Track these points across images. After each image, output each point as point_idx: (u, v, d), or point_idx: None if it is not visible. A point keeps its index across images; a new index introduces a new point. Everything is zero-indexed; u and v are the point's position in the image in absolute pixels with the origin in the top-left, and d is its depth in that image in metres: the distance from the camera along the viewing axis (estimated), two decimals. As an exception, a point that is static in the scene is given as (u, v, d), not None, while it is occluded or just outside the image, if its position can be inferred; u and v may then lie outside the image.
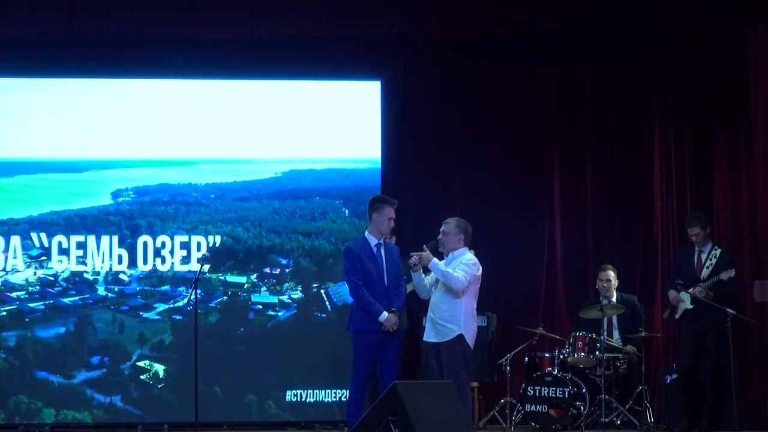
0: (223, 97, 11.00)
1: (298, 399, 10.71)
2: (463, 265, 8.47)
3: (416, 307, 10.46)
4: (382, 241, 8.89)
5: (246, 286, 10.85)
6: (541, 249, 11.25)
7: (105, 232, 10.76)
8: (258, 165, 11.02)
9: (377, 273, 8.77)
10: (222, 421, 10.61)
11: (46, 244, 10.70)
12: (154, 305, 10.76)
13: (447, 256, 8.68)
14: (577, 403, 9.95)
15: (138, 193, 10.91)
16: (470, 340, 8.47)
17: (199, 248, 10.77)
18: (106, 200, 10.89)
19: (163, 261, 10.81)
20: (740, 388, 9.84)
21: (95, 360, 10.66)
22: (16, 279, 10.68)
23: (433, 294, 8.59)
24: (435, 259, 8.49)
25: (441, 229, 8.71)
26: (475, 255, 10.05)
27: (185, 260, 10.79)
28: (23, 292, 10.67)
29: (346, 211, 11.07)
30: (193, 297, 9.12)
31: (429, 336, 8.49)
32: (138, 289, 10.74)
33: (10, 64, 10.84)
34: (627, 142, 11.31)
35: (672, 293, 10.02)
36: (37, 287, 10.70)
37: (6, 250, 10.66)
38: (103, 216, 10.83)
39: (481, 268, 8.63)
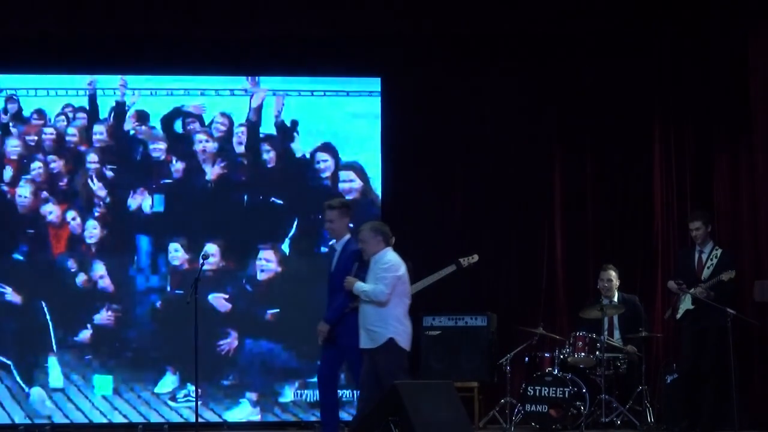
0: (222, 96, 11.02)
1: (299, 399, 10.70)
2: (381, 272, 8.30)
3: (415, 307, 10.49)
4: (337, 244, 8.73)
5: (246, 286, 10.89)
6: (541, 249, 11.25)
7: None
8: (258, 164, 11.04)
9: (328, 276, 8.73)
10: (222, 421, 10.61)
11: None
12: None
13: (371, 260, 8.46)
14: (577, 403, 9.95)
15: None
16: (403, 342, 8.30)
17: (199, 247, 10.78)
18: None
19: (164, 260, 10.82)
20: (741, 388, 9.82)
21: (95, 359, 10.73)
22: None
23: (361, 301, 8.40)
24: (357, 282, 8.30)
25: (359, 237, 8.47)
26: (477, 255, 10.12)
27: (185, 259, 10.79)
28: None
29: (347, 211, 11.07)
30: (192, 297, 9.06)
31: (364, 343, 8.34)
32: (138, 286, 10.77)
33: (11, 64, 10.85)
34: (627, 142, 11.31)
35: (671, 283, 10.03)
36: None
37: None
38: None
39: (403, 266, 8.42)
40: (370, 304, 8.26)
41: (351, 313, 8.39)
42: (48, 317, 10.61)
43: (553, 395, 9.99)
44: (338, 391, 10.51)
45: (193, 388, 9.42)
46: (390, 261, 8.36)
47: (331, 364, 8.66)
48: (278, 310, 10.81)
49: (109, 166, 10.85)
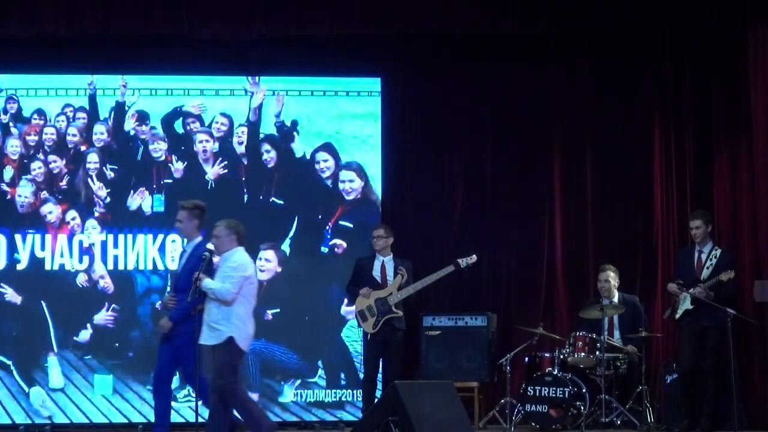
0: (222, 96, 11.02)
1: (298, 399, 10.71)
2: (229, 271, 8.33)
3: (416, 307, 10.48)
4: (187, 245, 8.77)
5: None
6: (541, 249, 11.24)
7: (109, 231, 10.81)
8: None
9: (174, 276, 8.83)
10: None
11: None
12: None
13: (220, 258, 8.52)
14: (578, 403, 9.95)
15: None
16: (241, 342, 8.33)
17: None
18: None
19: (164, 260, 10.82)
20: (740, 388, 9.84)
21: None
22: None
23: (207, 298, 8.42)
24: (205, 279, 8.35)
25: (213, 233, 8.53)
26: (476, 255, 10.11)
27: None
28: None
29: (346, 211, 11.09)
30: (192, 297, 9.03)
31: (205, 339, 8.37)
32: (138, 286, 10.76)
33: (11, 64, 10.86)
34: (627, 142, 11.31)
35: (671, 286, 10.03)
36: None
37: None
38: (103, 216, 10.88)
39: (251, 266, 8.47)
40: (215, 301, 8.29)
41: (196, 314, 8.44)
42: (48, 317, 10.62)
43: (553, 395, 9.99)
44: (339, 391, 10.63)
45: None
46: (239, 261, 8.39)
47: (168, 364, 8.73)
48: (278, 310, 10.81)
49: (109, 166, 10.86)
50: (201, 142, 10.94)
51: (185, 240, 8.92)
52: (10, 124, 10.83)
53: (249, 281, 8.40)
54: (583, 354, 10.20)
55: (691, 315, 9.93)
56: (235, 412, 8.44)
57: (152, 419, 10.50)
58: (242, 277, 8.34)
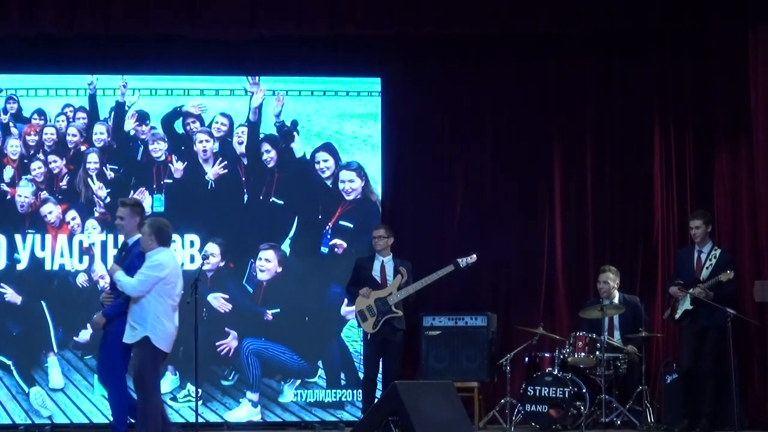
0: (222, 96, 11.02)
1: (299, 399, 10.72)
2: (145, 268, 8.29)
3: (417, 307, 10.49)
4: (129, 242, 8.73)
5: (246, 285, 10.88)
6: (541, 249, 11.24)
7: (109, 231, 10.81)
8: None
9: None
10: (222, 421, 10.62)
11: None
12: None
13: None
14: (578, 403, 9.95)
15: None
16: (160, 342, 8.30)
17: (195, 246, 10.78)
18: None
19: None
20: (740, 388, 9.84)
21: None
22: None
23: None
24: (119, 271, 8.36)
25: (141, 230, 8.53)
26: (476, 256, 10.10)
27: (186, 260, 10.79)
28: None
29: (346, 211, 11.09)
30: (192, 297, 9.04)
31: (126, 338, 8.39)
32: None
33: (11, 64, 10.86)
34: (627, 143, 11.31)
35: (673, 289, 10.03)
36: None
37: None
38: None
39: (170, 268, 8.38)
40: (134, 300, 8.29)
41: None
42: (48, 317, 10.62)
43: (553, 395, 10.00)
44: (339, 391, 10.64)
45: (194, 388, 9.44)
46: (158, 260, 8.37)
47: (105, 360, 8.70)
48: (278, 310, 10.82)
49: (109, 166, 10.86)
50: (201, 142, 10.94)
51: (124, 237, 8.87)
52: (10, 124, 10.84)
53: (164, 281, 8.32)
54: (583, 354, 10.20)
55: (691, 315, 9.94)
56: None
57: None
58: (156, 277, 8.29)
